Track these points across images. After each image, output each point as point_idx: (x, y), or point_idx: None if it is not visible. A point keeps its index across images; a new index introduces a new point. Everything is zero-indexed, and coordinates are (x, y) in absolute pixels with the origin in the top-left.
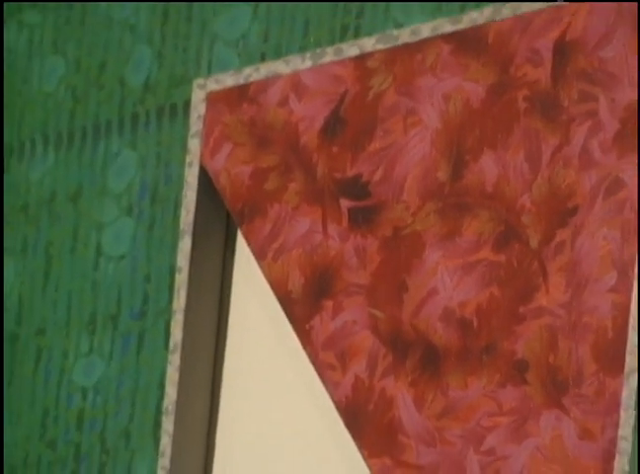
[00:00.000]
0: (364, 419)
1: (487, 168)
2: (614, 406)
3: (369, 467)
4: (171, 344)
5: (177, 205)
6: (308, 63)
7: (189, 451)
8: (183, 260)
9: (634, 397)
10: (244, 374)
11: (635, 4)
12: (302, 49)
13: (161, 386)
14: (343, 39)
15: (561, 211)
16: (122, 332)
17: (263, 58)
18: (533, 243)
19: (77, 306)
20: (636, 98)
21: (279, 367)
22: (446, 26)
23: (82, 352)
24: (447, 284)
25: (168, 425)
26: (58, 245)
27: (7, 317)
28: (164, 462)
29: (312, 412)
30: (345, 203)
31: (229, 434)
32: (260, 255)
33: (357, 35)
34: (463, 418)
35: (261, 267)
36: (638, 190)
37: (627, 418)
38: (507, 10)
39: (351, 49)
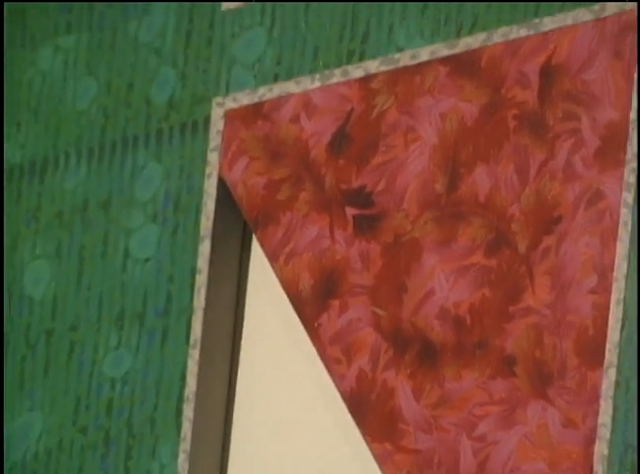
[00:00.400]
0: (367, 408)
1: (480, 180)
2: (595, 397)
3: (372, 452)
4: (191, 339)
5: (197, 213)
6: (317, 84)
7: (208, 436)
8: (203, 262)
9: (613, 389)
10: (258, 367)
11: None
12: (312, 71)
13: (182, 377)
14: (349, 61)
15: (547, 220)
16: (148, 328)
17: (276, 79)
18: (522, 248)
19: (107, 304)
20: (616, 117)
21: (290, 360)
22: (443, 50)
23: (111, 346)
24: (443, 286)
25: (189, 412)
26: (90, 249)
27: (43, 314)
28: (185, 446)
29: (321, 401)
30: (350, 212)
31: (245, 420)
32: (273, 258)
33: (361, 58)
34: (457, 407)
35: (274, 269)
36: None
37: (606, 407)
38: (498, 36)
39: (356, 71)
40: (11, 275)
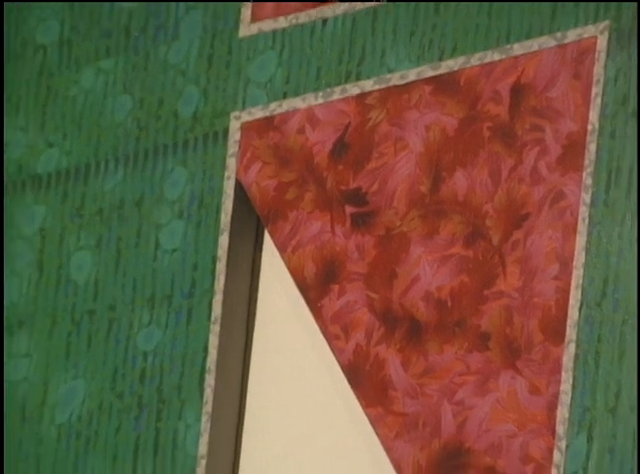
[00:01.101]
0: (362, 377)
1: (459, 182)
2: (557, 368)
3: (367, 415)
4: (212, 317)
5: (217, 210)
6: (320, 100)
7: (226, 401)
8: (222, 252)
9: (572, 361)
10: (270, 340)
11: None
12: (315, 89)
13: (205, 350)
14: (347, 81)
15: (516, 217)
16: (175, 308)
17: (285, 96)
18: (495, 241)
19: (140, 288)
20: (575, 129)
21: (297, 336)
22: (428, 71)
23: (143, 323)
24: (428, 273)
25: (210, 380)
26: (125, 241)
27: (86, 296)
28: (207, 409)
29: (323, 370)
30: (348, 210)
31: (259, 386)
32: (282, 249)
33: (358, 78)
34: (439, 376)
35: (282, 258)
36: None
37: (567, 377)
38: (474, 60)
39: (353, 89)
40: (58, 263)
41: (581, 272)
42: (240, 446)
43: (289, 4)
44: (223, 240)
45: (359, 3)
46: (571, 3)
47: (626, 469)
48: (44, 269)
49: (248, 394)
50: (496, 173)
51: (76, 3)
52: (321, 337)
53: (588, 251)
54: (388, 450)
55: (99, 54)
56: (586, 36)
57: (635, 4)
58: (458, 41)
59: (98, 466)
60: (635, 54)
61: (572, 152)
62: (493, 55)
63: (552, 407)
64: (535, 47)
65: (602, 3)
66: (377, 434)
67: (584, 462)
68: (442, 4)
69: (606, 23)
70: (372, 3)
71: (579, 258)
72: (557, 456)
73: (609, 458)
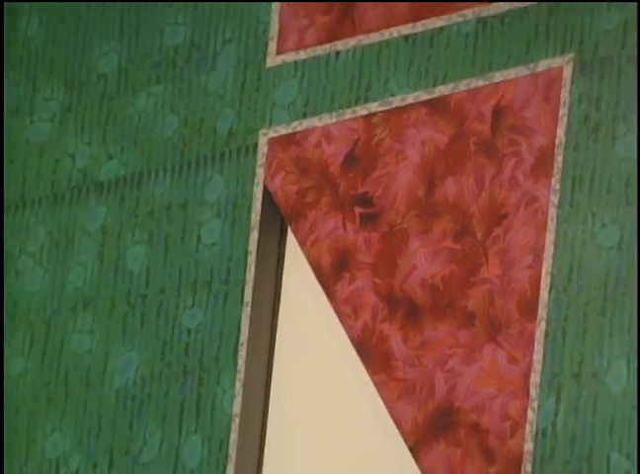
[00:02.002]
0: (369, 349)
1: (449, 188)
2: (531, 341)
3: (373, 381)
4: (245, 300)
5: (249, 211)
6: (334, 120)
7: (256, 369)
8: (252, 246)
9: (543, 336)
10: (292, 320)
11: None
12: (330, 110)
13: (238, 328)
14: (356, 103)
15: (497, 216)
16: (214, 292)
17: (304, 116)
18: (479, 236)
19: (185, 276)
20: (545, 143)
21: (315, 315)
22: (424, 95)
23: (187, 305)
24: (423, 263)
25: (242, 352)
26: (173, 236)
27: (139, 282)
28: (240, 377)
29: (335, 342)
30: (357, 210)
31: (283, 358)
32: (302, 243)
33: (365, 101)
34: (433, 349)
35: (303, 251)
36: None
37: (539, 349)
38: (462, 86)
39: (361, 111)
40: (116, 255)
41: (550, 262)
42: (268, 407)
43: (308, 39)
44: (253, 236)
45: (364, 38)
46: (542, 38)
47: (588, 425)
48: (105, 260)
49: (274, 364)
50: (480, 180)
51: (132, 39)
52: (335, 316)
53: (556, 245)
54: (390, 410)
55: (150, 81)
56: (554, 66)
57: (593, 40)
58: (449, 70)
59: (150, 424)
60: (597, 80)
61: (543, 162)
62: (477, 82)
63: (527, 374)
64: (513, 75)
65: (568, 38)
66: (381, 396)
67: (552, 419)
68: (435, 39)
69: (571, 55)
70: (377, 39)
71: (549, 250)
72: (530, 414)
73: (574, 416)
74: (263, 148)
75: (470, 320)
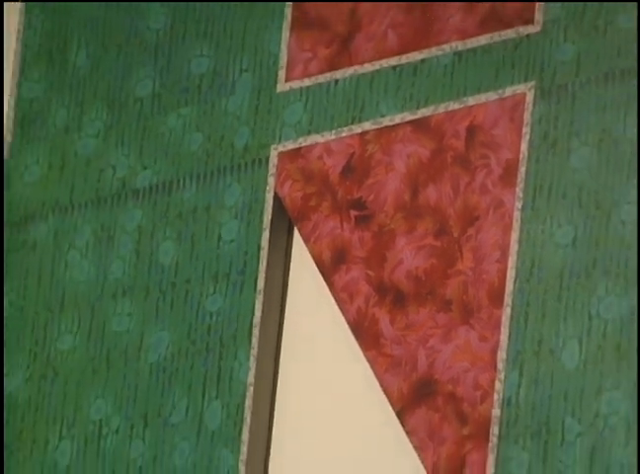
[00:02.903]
0: (362, 329)
1: (430, 194)
2: (498, 324)
3: (365, 356)
4: (258, 288)
5: (262, 214)
6: (333, 136)
7: (267, 346)
8: (264, 243)
9: (509, 319)
10: (298, 305)
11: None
12: (330, 129)
13: (252, 311)
14: (352, 123)
15: (470, 218)
16: (232, 281)
17: (309, 133)
18: (455, 235)
19: (207, 267)
20: (511, 156)
21: (316, 300)
22: (409, 116)
23: (210, 292)
24: (409, 257)
25: (256, 332)
26: (198, 235)
27: (170, 273)
28: (254, 352)
29: (331, 324)
30: (353, 213)
31: (291, 336)
32: (306, 240)
33: (360, 120)
34: (416, 329)
35: (307, 247)
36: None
37: (504, 330)
38: (441, 108)
39: (356, 129)
40: (150, 250)
41: (515, 257)
42: (277, 377)
43: (312, 69)
44: (265, 234)
45: (359, 68)
46: (508, 68)
47: (545, 394)
48: (140, 254)
49: (282, 342)
50: (456, 187)
51: (164, 68)
52: (333, 301)
53: (520, 242)
54: (380, 381)
55: (179, 104)
56: (518, 91)
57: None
58: (430, 95)
59: (178, 392)
60: (555, 103)
61: (509, 173)
62: (454, 105)
63: (494, 351)
64: (483, 100)
65: (530, 69)
66: (372, 369)
67: (516, 389)
68: (419, 69)
69: (533, 83)
70: (370, 69)
71: (513, 247)
72: (498, 385)
73: (534, 387)
74: (273, 160)
75: (447, 305)
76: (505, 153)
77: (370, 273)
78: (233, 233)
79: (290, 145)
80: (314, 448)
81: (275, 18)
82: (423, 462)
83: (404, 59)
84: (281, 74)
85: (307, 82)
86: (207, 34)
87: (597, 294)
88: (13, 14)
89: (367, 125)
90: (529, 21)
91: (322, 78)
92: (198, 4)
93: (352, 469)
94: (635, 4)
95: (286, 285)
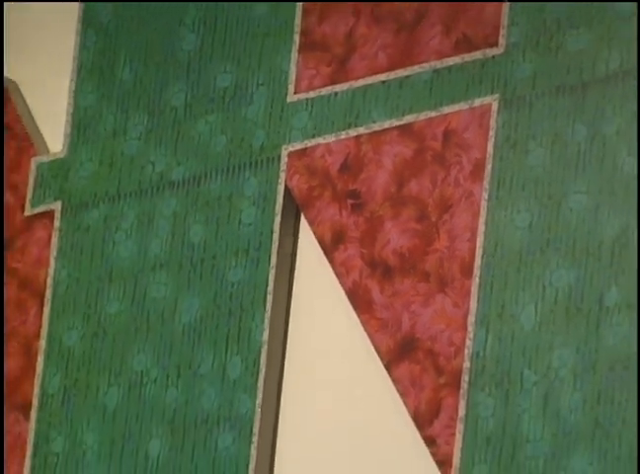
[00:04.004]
0: (357, 297)
1: (414, 187)
2: (468, 292)
3: (359, 319)
4: (271, 264)
5: (275, 202)
6: (333, 139)
7: (279, 310)
8: (276, 226)
9: (477, 289)
10: (304, 276)
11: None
12: (331, 133)
13: (266, 283)
14: (349, 128)
15: (445, 206)
16: (250, 257)
17: (313, 136)
18: (433, 220)
19: (230, 246)
20: (479, 156)
21: (319, 273)
22: (395, 123)
23: (232, 266)
24: (395, 238)
25: (269, 298)
26: (222, 218)
27: (198, 251)
28: (267, 315)
29: (335, 292)
30: (349, 202)
31: (298, 301)
32: (311, 224)
33: (355, 126)
34: (401, 297)
35: (312, 229)
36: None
37: (474, 298)
38: (422, 116)
39: (353, 133)
40: (182, 231)
41: (482, 237)
42: (287, 336)
43: (316, 84)
44: (277, 219)
45: (354, 83)
46: (477, 83)
47: (507, 350)
48: (175, 235)
49: (291, 307)
50: (434, 181)
51: (195, 82)
52: (333, 274)
53: (486, 225)
54: (371, 339)
55: (207, 112)
56: (485, 102)
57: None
58: (413, 106)
59: (205, 348)
60: (515, 112)
61: (477, 169)
62: (432, 113)
63: (465, 315)
64: (457, 109)
65: (495, 84)
66: (365, 330)
67: (483, 346)
68: (404, 83)
69: (497, 95)
70: (363, 83)
71: (481, 229)
72: (468, 342)
73: (498, 344)
74: (284, 158)
75: (427, 277)
76: (474, 153)
77: (364, 250)
78: (251, 218)
79: (298, 146)
80: (318, 391)
81: (285, 42)
82: (406, 405)
83: (392, 75)
84: (291, 88)
85: (312, 94)
86: (230, 55)
87: (549, 268)
88: (70, 38)
89: (361, 130)
90: (494, 44)
91: (324, 91)
92: (222, 31)
93: (349, 408)
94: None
95: (294, 261)
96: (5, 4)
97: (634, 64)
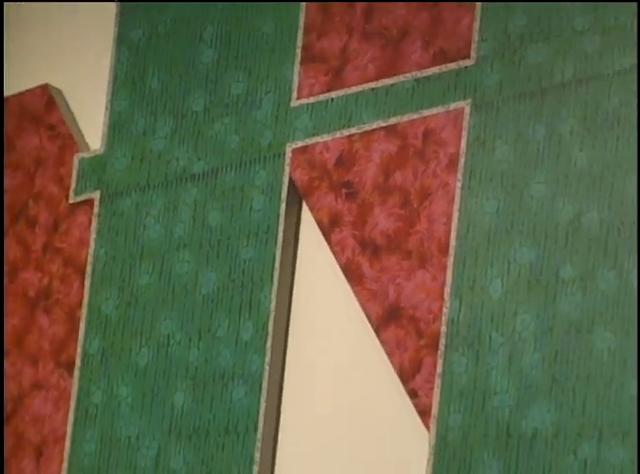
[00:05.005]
0: (351, 272)
1: (398, 178)
2: (445, 268)
3: (353, 290)
4: (277, 243)
5: (280, 191)
6: (330, 138)
7: (284, 283)
8: (282, 212)
9: (452, 265)
10: (306, 254)
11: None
12: (327, 133)
13: (273, 259)
14: (343, 128)
15: (425, 194)
16: (259, 239)
17: (313, 136)
18: (415, 205)
19: (243, 229)
20: (454, 151)
21: (319, 251)
22: (382, 124)
23: (244, 245)
24: (382, 221)
25: (276, 273)
26: (236, 205)
27: (215, 233)
28: (274, 287)
29: (331, 267)
30: (344, 191)
31: (303, 273)
32: (311, 209)
33: (348, 127)
34: (388, 272)
35: (312, 214)
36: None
37: (450, 272)
38: (405, 118)
39: (346, 133)
40: (202, 217)
41: (456, 221)
42: (291, 305)
43: (315, 91)
44: (282, 206)
45: (348, 90)
46: (452, 90)
47: (478, 317)
48: (195, 219)
49: (295, 280)
50: (416, 173)
51: (212, 90)
52: (330, 253)
53: (460, 212)
54: (363, 307)
55: (222, 115)
56: (459, 106)
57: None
58: (397, 109)
59: (222, 315)
60: (484, 115)
61: (452, 163)
62: (414, 116)
63: (442, 287)
64: (435, 112)
65: (468, 90)
66: (357, 299)
67: (457, 313)
68: (390, 90)
69: (469, 100)
70: (355, 91)
71: (455, 214)
72: (444, 310)
73: (469, 311)
74: (288, 154)
75: (409, 255)
76: (449, 149)
77: (356, 232)
78: (260, 205)
79: (300, 144)
80: (318, 351)
81: (289, 56)
82: (392, 363)
83: (379, 84)
84: (294, 94)
85: (312, 100)
86: (242, 66)
87: (513, 247)
88: (105, 56)
89: (353, 130)
90: (467, 57)
91: (322, 97)
92: (235, 46)
93: (345, 365)
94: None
95: (297, 242)
96: (55, 19)
97: (586, 74)
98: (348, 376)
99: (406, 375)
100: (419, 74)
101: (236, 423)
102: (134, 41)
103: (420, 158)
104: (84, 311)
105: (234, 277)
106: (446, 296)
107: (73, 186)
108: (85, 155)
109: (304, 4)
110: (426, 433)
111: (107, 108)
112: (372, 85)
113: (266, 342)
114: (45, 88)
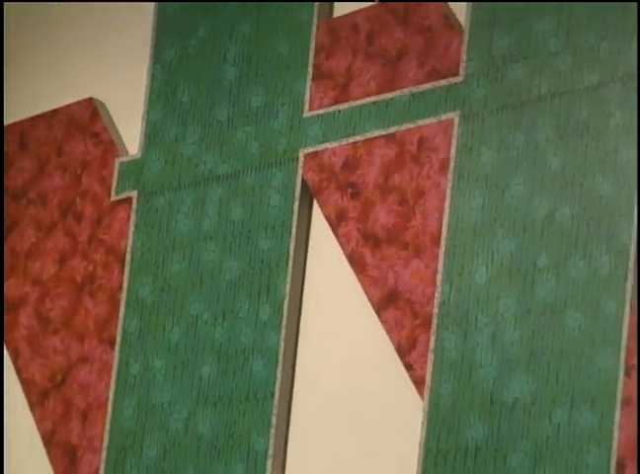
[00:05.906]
0: (355, 260)
1: (396, 179)
2: (437, 257)
3: (357, 277)
4: (292, 235)
5: (294, 190)
6: (337, 145)
7: (297, 270)
8: (295, 208)
9: (443, 251)
10: (316, 244)
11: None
12: (335, 140)
13: (288, 248)
14: (348, 136)
15: (420, 193)
16: (276, 231)
17: (322, 142)
18: (411, 203)
19: (261, 221)
20: (445, 156)
21: (327, 242)
22: (383, 133)
23: (263, 237)
24: (382, 217)
25: (290, 261)
26: (255, 203)
27: (236, 225)
28: (289, 272)
29: (338, 256)
30: (349, 191)
31: (313, 262)
32: (321, 207)
33: (353, 135)
34: (387, 260)
35: (322, 211)
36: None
37: (441, 262)
38: (402, 128)
39: (351, 140)
40: (226, 212)
41: (447, 217)
42: (303, 289)
43: (324, 103)
44: (296, 203)
45: (353, 103)
46: (443, 103)
47: (465, 300)
48: (220, 215)
49: (306, 268)
50: (412, 175)
51: (235, 102)
52: (338, 244)
53: (450, 208)
54: (365, 291)
55: (244, 124)
56: (449, 117)
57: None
58: (396, 120)
59: (243, 298)
60: (471, 124)
61: (443, 166)
62: (410, 126)
63: (435, 274)
64: (428, 122)
65: (457, 103)
66: (361, 284)
67: (447, 296)
68: (389, 103)
69: (458, 112)
70: (359, 103)
71: (446, 211)
72: (437, 294)
73: (458, 295)
74: (301, 159)
75: (406, 246)
76: (441, 154)
77: (359, 226)
78: (277, 202)
79: (311, 150)
80: (328, 329)
81: (302, 73)
82: (391, 340)
83: (380, 98)
84: (306, 107)
85: (321, 111)
86: (262, 82)
87: (496, 239)
88: (142, 73)
89: (358, 138)
90: (456, 74)
91: (330, 109)
92: (255, 64)
93: (351, 342)
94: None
95: (309, 234)
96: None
97: (559, 89)
98: (353, 352)
99: (403, 351)
100: (414, 89)
101: (255, 391)
102: (167, 61)
103: (415, 162)
104: (123, 295)
105: (254, 265)
106: (438, 282)
107: (114, 186)
108: (124, 159)
109: (315, 28)
110: (420, 400)
111: (143, 118)
112: (374, 99)
113: (281, 321)
114: (90, 101)
